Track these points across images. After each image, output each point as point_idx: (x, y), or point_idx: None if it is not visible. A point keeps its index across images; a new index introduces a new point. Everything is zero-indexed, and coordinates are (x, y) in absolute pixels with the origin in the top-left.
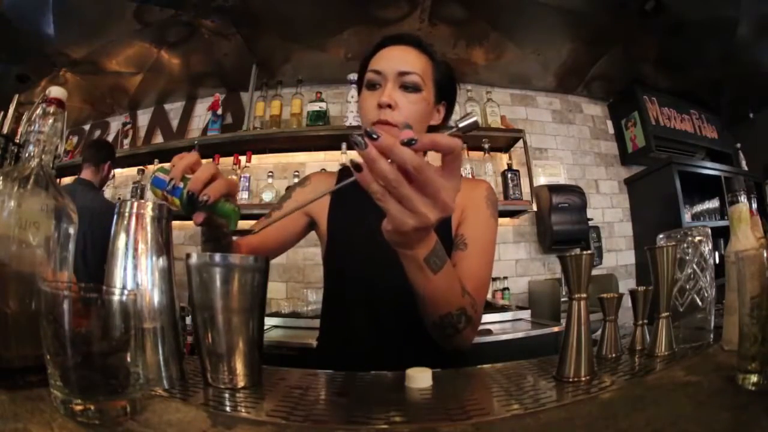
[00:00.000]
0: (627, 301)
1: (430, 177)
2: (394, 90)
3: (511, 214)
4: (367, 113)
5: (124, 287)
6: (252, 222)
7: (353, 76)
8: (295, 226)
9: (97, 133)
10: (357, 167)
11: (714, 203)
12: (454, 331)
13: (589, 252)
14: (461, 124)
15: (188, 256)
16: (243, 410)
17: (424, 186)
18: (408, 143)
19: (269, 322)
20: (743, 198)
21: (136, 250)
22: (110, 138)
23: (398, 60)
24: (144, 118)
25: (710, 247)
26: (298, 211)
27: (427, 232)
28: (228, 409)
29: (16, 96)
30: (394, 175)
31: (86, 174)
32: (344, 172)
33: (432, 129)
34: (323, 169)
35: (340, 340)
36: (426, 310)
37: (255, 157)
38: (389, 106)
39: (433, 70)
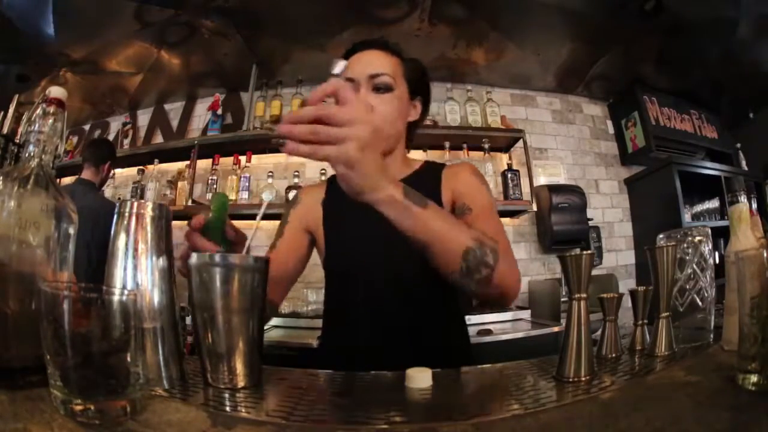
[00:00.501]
0: (627, 301)
1: (333, 109)
2: (368, 94)
3: (511, 214)
4: None
5: (124, 287)
6: (253, 222)
7: None
8: (301, 247)
9: (97, 133)
10: (281, 144)
11: (714, 203)
12: (488, 270)
13: (589, 252)
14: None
15: (188, 256)
16: (243, 410)
17: (335, 118)
18: (303, 104)
19: (269, 322)
20: (743, 198)
21: (136, 250)
22: (110, 138)
23: (367, 64)
24: (144, 118)
25: (710, 247)
26: (300, 232)
27: (375, 154)
28: (228, 409)
29: (16, 96)
30: (309, 128)
31: (86, 174)
32: (333, 180)
33: (411, 125)
34: (322, 170)
35: (341, 340)
36: (443, 260)
37: (255, 157)
38: None
39: (403, 69)
